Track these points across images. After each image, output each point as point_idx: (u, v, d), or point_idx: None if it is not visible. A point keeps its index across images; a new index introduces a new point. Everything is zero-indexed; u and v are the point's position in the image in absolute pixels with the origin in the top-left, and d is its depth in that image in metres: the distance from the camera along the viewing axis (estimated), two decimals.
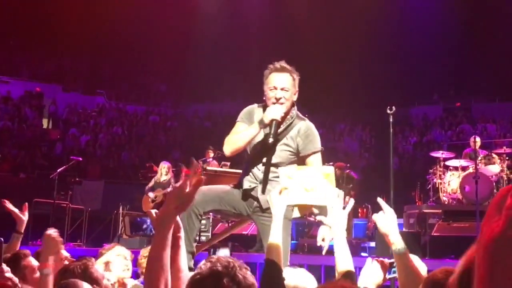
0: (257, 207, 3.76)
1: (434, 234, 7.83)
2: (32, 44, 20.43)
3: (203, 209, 3.70)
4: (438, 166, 9.37)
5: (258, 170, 3.77)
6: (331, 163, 7.75)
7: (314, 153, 3.77)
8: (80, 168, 13.78)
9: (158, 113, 21.68)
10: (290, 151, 3.77)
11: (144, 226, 6.43)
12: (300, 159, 3.81)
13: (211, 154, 10.76)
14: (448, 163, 9.31)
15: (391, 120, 5.18)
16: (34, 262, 3.24)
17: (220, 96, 21.05)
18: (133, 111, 21.51)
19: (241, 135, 3.75)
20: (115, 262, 4.01)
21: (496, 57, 18.28)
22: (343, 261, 2.64)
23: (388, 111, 5.12)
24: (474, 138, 9.25)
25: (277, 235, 2.72)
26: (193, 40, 20.21)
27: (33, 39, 19.95)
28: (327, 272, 6.57)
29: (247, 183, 3.81)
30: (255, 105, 3.94)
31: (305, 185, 3.07)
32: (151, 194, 9.97)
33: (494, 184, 8.70)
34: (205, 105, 22.14)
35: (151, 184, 10.10)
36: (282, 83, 3.69)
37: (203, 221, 6.75)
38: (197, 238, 3.76)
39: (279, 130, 3.72)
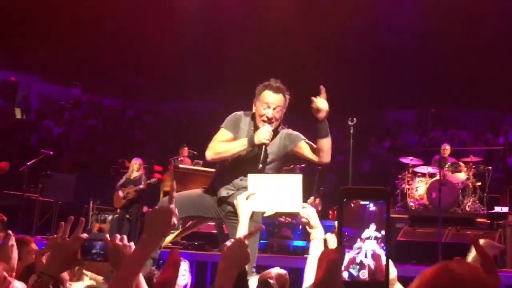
0: (230, 211, 3.81)
1: (399, 238, 7.96)
2: (10, 33, 20.15)
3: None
4: (407, 172, 9.51)
5: (237, 179, 3.83)
6: (291, 166, 7.74)
7: (302, 140, 3.84)
8: (52, 160, 13.64)
9: (134, 107, 21.52)
10: (273, 157, 3.83)
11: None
12: (287, 155, 3.87)
13: (185, 153, 10.75)
14: (416, 169, 9.46)
15: (351, 131, 5.19)
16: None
17: (197, 94, 20.99)
18: (109, 105, 21.31)
19: (229, 147, 3.80)
20: None
21: (472, 65, 18.53)
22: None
23: (349, 122, 5.12)
24: (444, 145, 9.44)
25: None
26: (172, 36, 20.13)
27: (11, 28, 19.68)
28: (292, 273, 6.59)
29: (224, 191, 3.86)
30: (242, 112, 3.96)
31: (272, 193, 3.18)
32: (121, 193, 9.94)
33: (460, 191, 8.90)
34: (182, 102, 22.05)
35: (122, 180, 10.07)
36: (275, 103, 3.77)
37: None
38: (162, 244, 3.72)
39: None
